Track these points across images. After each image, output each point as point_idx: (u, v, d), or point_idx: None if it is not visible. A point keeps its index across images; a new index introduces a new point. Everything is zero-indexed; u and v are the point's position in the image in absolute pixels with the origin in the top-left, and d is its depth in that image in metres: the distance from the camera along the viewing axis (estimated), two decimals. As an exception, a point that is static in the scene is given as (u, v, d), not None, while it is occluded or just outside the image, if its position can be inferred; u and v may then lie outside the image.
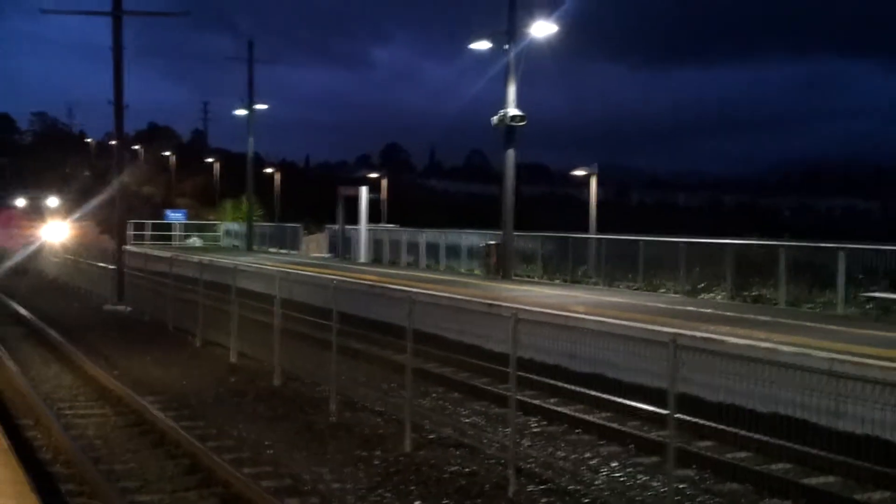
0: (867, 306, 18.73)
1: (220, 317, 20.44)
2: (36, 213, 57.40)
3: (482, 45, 28.26)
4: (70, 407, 14.24)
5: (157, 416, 12.90)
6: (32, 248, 46.70)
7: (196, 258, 30.50)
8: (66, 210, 58.65)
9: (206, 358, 19.16)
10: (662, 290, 24.11)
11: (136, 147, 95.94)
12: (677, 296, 23.00)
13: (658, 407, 12.16)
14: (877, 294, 18.46)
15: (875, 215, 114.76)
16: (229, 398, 15.20)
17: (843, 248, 19.57)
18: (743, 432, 11.93)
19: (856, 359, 12.21)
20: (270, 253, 48.47)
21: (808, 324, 16.81)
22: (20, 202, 60.19)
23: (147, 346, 20.63)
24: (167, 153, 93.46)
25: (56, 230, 53.10)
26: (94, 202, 46.71)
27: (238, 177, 63.03)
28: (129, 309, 27.94)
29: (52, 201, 60.73)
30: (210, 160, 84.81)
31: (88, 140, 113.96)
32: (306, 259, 42.25)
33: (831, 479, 10.55)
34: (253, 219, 54.74)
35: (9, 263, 42.37)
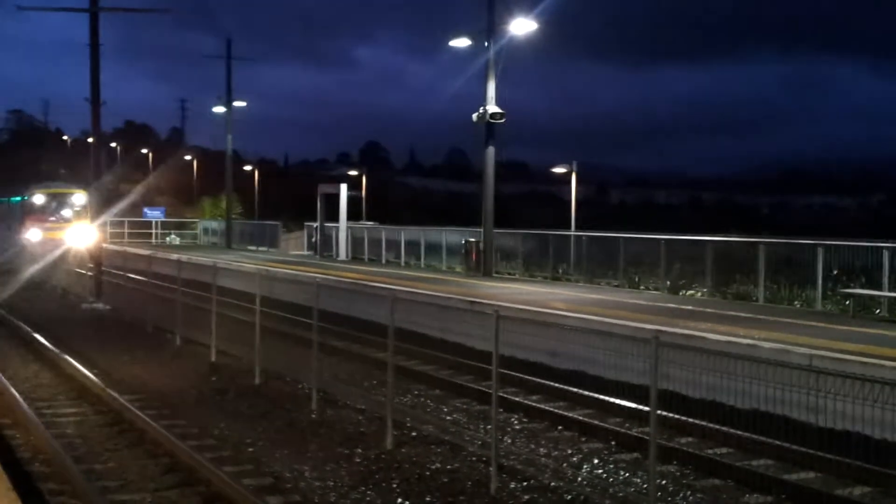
0: (845, 302, 18.85)
1: (200, 315, 20.32)
2: (54, 211, 46.87)
3: (462, 43, 28.30)
4: (49, 406, 14.11)
5: (137, 414, 12.81)
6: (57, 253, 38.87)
7: (175, 256, 30.31)
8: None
9: (186, 356, 19.05)
10: (643, 287, 24.19)
11: (114, 144, 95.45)
12: (658, 293, 23.08)
13: (639, 404, 12.19)
14: (854, 290, 18.59)
15: (852, 213, 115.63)
16: (210, 396, 15.12)
17: (821, 245, 19.71)
18: (724, 428, 11.97)
19: (835, 354, 12.31)
20: (249, 251, 48.27)
21: (788, 320, 16.91)
22: (38, 198, 47.54)
23: (126, 345, 20.49)
24: (145, 150, 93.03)
25: (82, 233, 47.40)
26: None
27: (216, 174, 62.82)
28: (107, 307, 27.75)
29: (79, 198, 47.19)
30: (188, 157, 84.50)
31: (65, 138, 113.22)
32: (286, 257, 42.12)
33: (812, 475, 10.62)
34: (232, 216, 54.53)
35: None
